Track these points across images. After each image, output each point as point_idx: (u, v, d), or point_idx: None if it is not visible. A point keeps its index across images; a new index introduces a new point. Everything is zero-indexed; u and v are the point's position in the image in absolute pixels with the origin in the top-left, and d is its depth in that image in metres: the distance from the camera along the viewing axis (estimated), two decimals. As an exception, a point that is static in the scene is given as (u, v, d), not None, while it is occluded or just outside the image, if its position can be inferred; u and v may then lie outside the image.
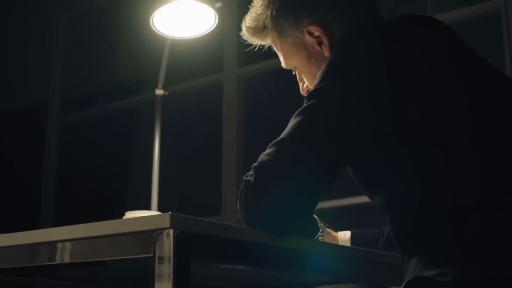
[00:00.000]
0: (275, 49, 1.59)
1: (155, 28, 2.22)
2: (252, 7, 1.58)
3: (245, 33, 1.60)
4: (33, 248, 1.24)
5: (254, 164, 1.25)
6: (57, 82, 4.96)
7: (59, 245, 1.19)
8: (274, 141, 1.26)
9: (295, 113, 1.27)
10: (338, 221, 1.85)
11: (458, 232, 1.18)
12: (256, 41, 1.60)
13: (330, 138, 1.24)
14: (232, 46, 3.95)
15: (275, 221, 1.23)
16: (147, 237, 1.07)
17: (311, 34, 1.47)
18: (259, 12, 1.55)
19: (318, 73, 1.30)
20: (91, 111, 4.82)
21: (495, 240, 1.16)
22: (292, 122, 1.26)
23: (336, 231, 1.78)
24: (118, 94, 4.66)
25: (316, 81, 1.29)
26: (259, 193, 1.22)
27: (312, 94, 1.27)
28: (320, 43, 1.47)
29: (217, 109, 4.00)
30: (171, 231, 1.05)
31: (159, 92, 2.62)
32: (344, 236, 1.75)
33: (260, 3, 1.55)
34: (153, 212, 1.96)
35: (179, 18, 2.23)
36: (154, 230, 1.06)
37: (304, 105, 1.27)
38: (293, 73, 1.60)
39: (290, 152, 1.23)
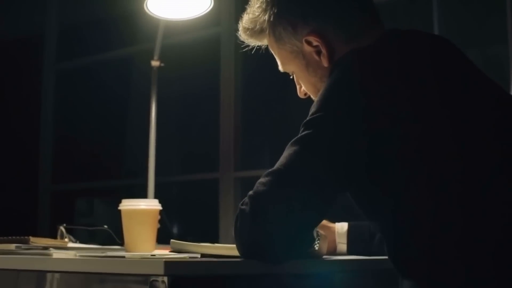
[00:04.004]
0: (272, 52, 1.55)
1: (149, 10, 2.17)
2: (249, 6, 1.54)
3: (241, 34, 1.56)
4: (25, 275, 1.24)
5: (250, 192, 1.24)
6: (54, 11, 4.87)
7: (49, 275, 1.19)
8: (270, 170, 1.24)
9: (291, 142, 1.25)
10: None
11: (440, 266, 1.19)
12: (253, 42, 1.57)
13: (325, 169, 1.23)
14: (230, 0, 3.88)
15: (271, 251, 1.23)
16: (142, 280, 1.07)
17: (309, 43, 1.43)
18: (257, 14, 1.50)
19: (315, 100, 1.27)
20: (88, 59, 4.76)
21: (476, 276, 1.17)
22: (288, 151, 1.24)
23: (333, 222, 1.78)
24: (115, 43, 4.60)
25: (312, 109, 1.26)
26: (255, 223, 1.21)
27: (308, 123, 1.25)
28: (318, 53, 1.43)
29: (215, 68, 3.96)
30: (165, 278, 1.05)
31: (155, 63, 2.56)
32: (341, 229, 1.75)
33: (257, 5, 1.50)
34: (151, 201, 1.95)
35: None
36: (149, 275, 1.06)
37: (300, 134, 1.25)
38: (291, 76, 1.57)
39: (285, 183, 1.22)
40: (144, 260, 1.08)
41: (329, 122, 1.24)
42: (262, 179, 1.24)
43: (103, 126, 4.77)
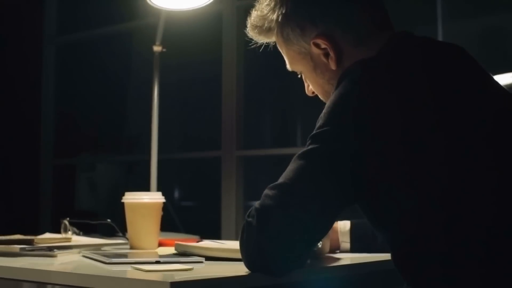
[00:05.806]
0: (280, 51, 1.53)
1: (151, 1, 2.14)
2: (258, 2, 1.51)
3: (250, 31, 1.54)
4: (26, 285, 1.24)
5: (256, 205, 1.23)
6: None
7: (50, 286, 1.19)
8: (276, 183, 1.23)
9: (297, 155, 1.24)
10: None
11: (439, 277, 1.19)
12: (261, 40, 1.55)
13: (331, 184, 1.22)
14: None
15: (277, 264, 1.23)
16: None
17: (317, 46, 1.41)
18: (265, 12, 1.48)
19: (322, 112, 1.25)
20: (89, 32, 4.71)
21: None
22: (294, 164, 1.23)
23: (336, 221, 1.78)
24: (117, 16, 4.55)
25: (319, 121, 1.24)
26: (261, 237, 1.21)
27: (315, 137, 1.23)
28: (326, 55, 1.41)
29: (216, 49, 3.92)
30: (171, 299, 1.04)
31: (157, 49, 2.53)
32: (343, 227, 1.74)
33: (266, 2, 1.48)
34: (154, 194, 1.94)
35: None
36: (155, 296, 1.05)
37: (306, 148, 1.23)
38: (299, 76, 1.54)
39: (291, 197, 1.21)
40: (151, 281, 1.08)
41: (335, 137, 1.22)
42: (268, 192, 1.23)
43: (104, 100, 4.75)
